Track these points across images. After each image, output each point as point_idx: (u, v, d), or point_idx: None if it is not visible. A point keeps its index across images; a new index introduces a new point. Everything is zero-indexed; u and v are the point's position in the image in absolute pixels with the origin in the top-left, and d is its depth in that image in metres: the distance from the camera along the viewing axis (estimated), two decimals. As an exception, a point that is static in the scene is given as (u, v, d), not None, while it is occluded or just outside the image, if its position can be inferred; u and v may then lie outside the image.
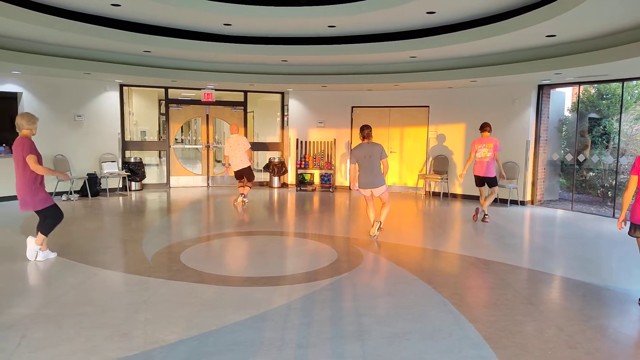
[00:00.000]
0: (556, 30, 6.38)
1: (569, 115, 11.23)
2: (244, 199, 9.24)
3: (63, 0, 6.30)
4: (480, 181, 7.92)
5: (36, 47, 7.97)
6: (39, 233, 5.19)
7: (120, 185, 10.85)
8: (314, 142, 11.87)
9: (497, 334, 3.51)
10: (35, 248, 5.20)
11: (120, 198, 10.00)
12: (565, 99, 11.00)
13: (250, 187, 9.34)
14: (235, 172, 9.15)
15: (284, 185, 12.27)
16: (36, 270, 4.96)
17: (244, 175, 9.12)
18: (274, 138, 13.10)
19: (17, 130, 5.11)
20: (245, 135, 12.36)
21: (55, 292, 4.26)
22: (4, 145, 9.45)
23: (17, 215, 7.69)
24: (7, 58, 7.63)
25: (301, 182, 11.81)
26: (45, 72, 9.05)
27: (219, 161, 8.74)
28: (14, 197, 9.10)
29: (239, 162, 8.99)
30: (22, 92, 9.34)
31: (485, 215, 7.86)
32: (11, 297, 4.11)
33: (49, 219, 5.21)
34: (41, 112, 9.57)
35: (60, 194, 9.67)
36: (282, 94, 12.43)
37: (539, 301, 4.25)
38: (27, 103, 9.40)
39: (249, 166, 9.13)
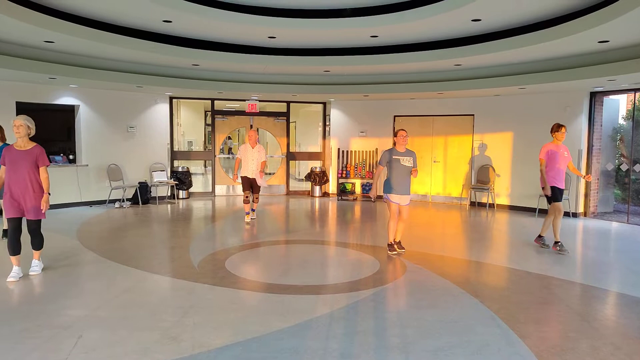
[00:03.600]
0: (609, 36, 6.13)
1: (624, 123, 10.71)
2: (253, 217, 8.64)
3: (118, 17, 6.66)
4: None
5: (92, 62, 8.45)
6: (38, 250, 5.10)
7: (169, 194, 11.24)
8: (355, 151, 11.88)
9: (549, 351, 3.37)
10: (39, 263, 5.15)
11: (169, 206, 10.35)
12: (619, 106, 10.51)
13: (257, 202, 8.66)
14: (250, 179, 8.33)
15: (325, 194, 12.32)
16: (90, 273, 5.20)
17: (253, 185, 8.39)
18: (316, 148, 13.21)
19: (21, 135, 4.82)
20: (288, 145, 12.55)
21: (108, 295, 4.45)
22: (62, 155, 10.02)
23: (71, 222, 8.10)
24: (66, 73, 8.12)
25: (342, 191, 11.82)
26: (100, 86, 9.56)
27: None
28: (71, 204, 9.63)
29: (256, 170, 8.30)
30: (79, 105, 9.89)
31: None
32: (68, 299, 4.34)
33: (39, 230, 5.02)
34: (96, 123, 10.11)
35: (113, 201, 10.12)
36: (324, 104, 12.54)
37: (593, 318, 4.06)
38: (84, 115, 9.94)
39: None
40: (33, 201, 4.87)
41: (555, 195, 6.40)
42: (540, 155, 6.51)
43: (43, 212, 4.92)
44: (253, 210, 8.64)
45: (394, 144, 6.17)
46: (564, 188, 6.53)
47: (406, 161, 5.99)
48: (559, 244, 6.38)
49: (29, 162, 4.84)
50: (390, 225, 6.13)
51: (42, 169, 4.91)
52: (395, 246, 6.19)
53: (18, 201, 4.85)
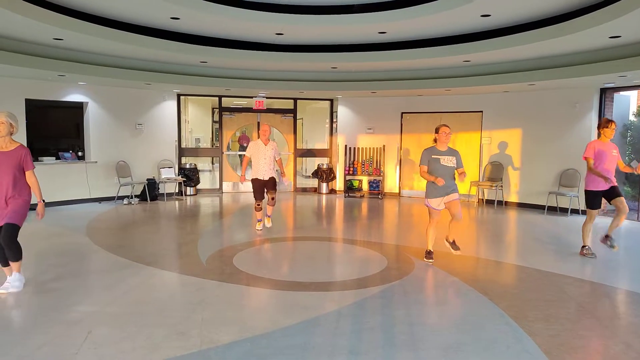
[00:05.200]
0: (621, 31, 6.05)
1: (635, 119, 10.58)
2: (268, 225, 7.35)
3: (126, 14, 6.67)
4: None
5: (101, 60, 8.48)
6: (16, 262, 4.37)
7: (177, 190, 11.28)
8: (362, 148, 11.84)
9: (558, 349, 3.34)
10: (20, 277, 4.44)
11: (177, 202, 10.39)
12: (630, 102, 10.38)
13: (274, 205, 7.33)
14: (262, 181, 7.06)
15: (332, 191, 12.30)
16: (99, 270, 5.24)
17: (267, 187, 7.13)
18: (323, 144, 13.19)
19: (2, 134, 4.21)
20: (295, 142, 12.54)
21: (118, 291, 4.48)
22: (71, 151, 10.09)
23: (80, 218, 8.15)
24: (75, 70, 8.15)
25: (349, 188, 11.80)
26: (109, 83, 9.59)
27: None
28: (80, 201, 9.70)
29: (268, 170, 7.08)
30: (87, 102, 9.94)
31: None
32: (78, 296, 4.36)
33: (14, 238, 4.27)
34: (105, 120, 10.16)
35: (121, 198, 10.17)
36: (331, 100, 12.52)
37: (604, 316, 4.02)
38: (92, 112, 9.99)
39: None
40: (10, 204, 4.21)
41: (590, 200, 5.83)
42: (586, 154, 5.75)
43: (40, 218, 4.38)
44: (268, 216, 7.33)
45: (435, 141, 5.56)
46: (613, 188, 5.75)
47: (448, 161, 5.43)
48: (586, 247, 5.93)
49: (11, 165, 4.21)
50: (429, 232, 5.67)
51: (29, 174, 4.31)
52: (449, 245, 5.70)
53: None
